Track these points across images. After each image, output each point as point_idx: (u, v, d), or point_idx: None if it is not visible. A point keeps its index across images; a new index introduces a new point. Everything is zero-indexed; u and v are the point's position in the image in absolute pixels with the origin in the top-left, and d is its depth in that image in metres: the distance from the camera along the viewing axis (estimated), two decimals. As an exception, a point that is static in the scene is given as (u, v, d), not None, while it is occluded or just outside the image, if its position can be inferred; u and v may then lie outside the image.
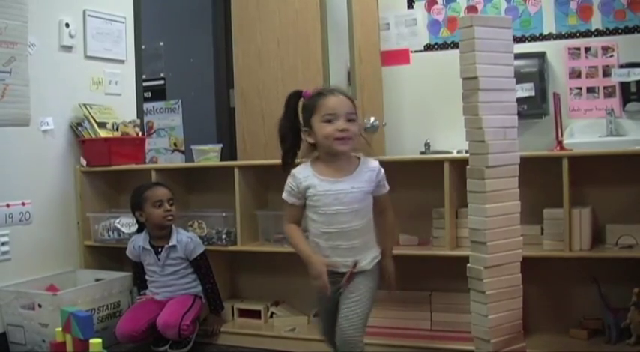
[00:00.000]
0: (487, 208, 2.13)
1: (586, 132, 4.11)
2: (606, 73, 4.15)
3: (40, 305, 2.86)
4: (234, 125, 4.40)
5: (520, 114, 2.30)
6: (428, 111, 4.57)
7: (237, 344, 2.98)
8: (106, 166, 3.34)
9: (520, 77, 3.18)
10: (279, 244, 2.98)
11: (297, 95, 2.26)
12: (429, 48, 4.65)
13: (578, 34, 4.25)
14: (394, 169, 2.44)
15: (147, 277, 3.04)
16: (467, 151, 2.21)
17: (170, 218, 2.97)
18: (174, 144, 5.00)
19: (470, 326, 2.24)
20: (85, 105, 3.39)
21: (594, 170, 2.62)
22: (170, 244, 2.95)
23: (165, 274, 2.98)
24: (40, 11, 3.16)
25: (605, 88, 4.18)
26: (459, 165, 2.49)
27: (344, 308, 2.18)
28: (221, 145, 3.40)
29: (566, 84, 4.26)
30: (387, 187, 2.28)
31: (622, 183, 2.63)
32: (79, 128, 3.38)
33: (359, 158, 2.25)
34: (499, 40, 2.16)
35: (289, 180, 2.25)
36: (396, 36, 4.71)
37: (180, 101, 5.00)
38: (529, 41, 4.33)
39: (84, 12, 3.45)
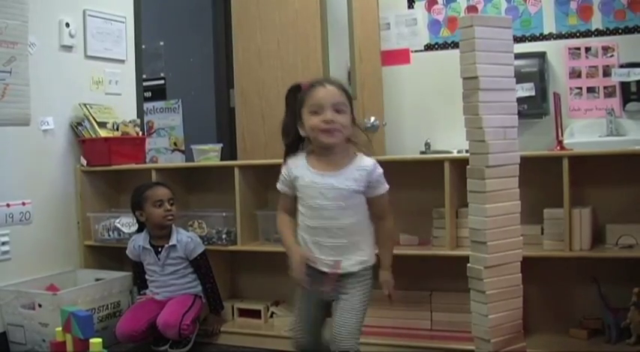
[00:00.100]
0: (487, 208, 2.12)
1: (586, 132, 4.12)
2: (606, 73, 4.16)
3: (40, 305, 2.86)
4: (234, 125, 4.41)
5: (520, 114, 2.29)
6: (428, 110, 4.57)
7: (237, 344, 2.98)
8: (106, 166, 3.34)
9: (520, 77, 3.17)
10: (280, 244, 2.96)
11: (295, 88, 2.24)
12: (429, 48, 4.65)
13: (578, 34, 4.25)
14: (394, 169, 2.43)
15: (147, 277, 3.04)
16: (467, 151, 2.20)
17: (170, 217, 2.97)
18: (175, 144, 5.00)
19: (470, 326, 2.24)
20: (85, 104, 3.39)
21: (594, 170, 2.62)
22: (170, 244, 2.95)
23: (165, 274, 2.98)
24: (40, 11, 3.16)
25: (605, 87, 4.18)
26: (459, 165, 2.49)
27: (339, 315, 2.13)
28: (221, 145, 3.40)
29: (567, 84, 4.26)
30: (384, 189, 2.18)
31: (622, 183, 2.62)
32: (79, 128, 3.38)
33: (357, 155, 2.19)
34: (499, 39, 2.15)
35: (283, 169, 2.24)
36: (397, 35, 4.71)
37: (180, 101, 5.00)
38: (529, 41, 4.34)
39: (84, 12, 3.45)
